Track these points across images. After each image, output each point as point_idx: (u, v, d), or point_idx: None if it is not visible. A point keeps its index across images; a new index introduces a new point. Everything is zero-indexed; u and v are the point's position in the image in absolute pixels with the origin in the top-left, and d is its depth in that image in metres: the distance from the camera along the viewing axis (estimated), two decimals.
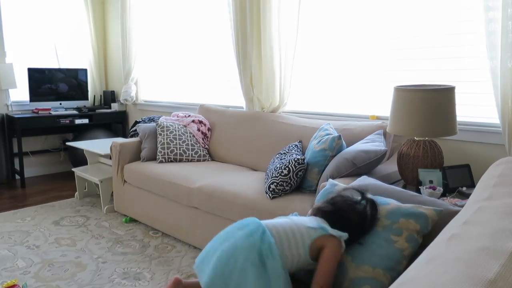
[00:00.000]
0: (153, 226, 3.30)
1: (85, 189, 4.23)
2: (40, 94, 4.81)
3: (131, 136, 3.94)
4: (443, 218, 1.55)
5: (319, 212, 1.62)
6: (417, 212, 1.52)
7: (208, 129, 3.68)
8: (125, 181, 3.55)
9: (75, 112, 4.87)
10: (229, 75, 4.00)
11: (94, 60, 5.36)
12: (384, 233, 1.52)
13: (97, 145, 3.99)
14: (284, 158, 2.66)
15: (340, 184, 1.87)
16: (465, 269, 0.69)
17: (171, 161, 3.42)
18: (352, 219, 1.55)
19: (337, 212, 1.58)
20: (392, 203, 1.60)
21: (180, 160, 3.44)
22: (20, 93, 4.84)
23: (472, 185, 2.24)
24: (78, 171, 4.01)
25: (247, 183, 2.76)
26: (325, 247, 1.48)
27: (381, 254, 1.49)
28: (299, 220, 1.57)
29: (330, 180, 1.95)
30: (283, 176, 2.49)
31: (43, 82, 4.82)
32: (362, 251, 1.52)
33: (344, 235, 1.51)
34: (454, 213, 1.57)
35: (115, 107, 5.17)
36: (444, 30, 2.67)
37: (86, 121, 4.84)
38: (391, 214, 1.55)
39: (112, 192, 3.74)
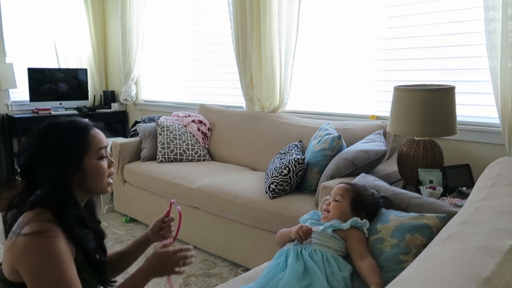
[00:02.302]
0: None
1: None
2: (40, 94, 4.80)
3: (131, 136, 3.93)
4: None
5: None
6: (421, 225, 1.44)
7: (208, 129, 3.68)
8: (125, 181, 3.55)
9: (75, 112, 4.87)
10: (229, 75, 4.00)
11: (94, 60, 5.35)
12: (392, 254, 1.41)
13: None
14: (284, 158, 2.66)
15: None
16: (461, 267, 0.69)
17: (171, 161, 3.42)
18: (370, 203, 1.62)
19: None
20: (392, 218, 1.51)
21: (180, 160, 3.44)
22: (20, 93, 4.83)
23: (472, 185, 2.21)
24: None
25: (247, 183, 2.76)
26: (347, 239, 1.49)
27: (391, 278, 1.35)
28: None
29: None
30: (283, 176, 2.49)
31: (43, 82, 4.82)
32: None
33: (362, 224, 1.52)
34: (454, 214, 1.55)
35: (115, 107, 5.17)
36: (444, 30, 2.67)
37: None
38: (396, 232, 1.46)
39: (112, 192, 3.74)
